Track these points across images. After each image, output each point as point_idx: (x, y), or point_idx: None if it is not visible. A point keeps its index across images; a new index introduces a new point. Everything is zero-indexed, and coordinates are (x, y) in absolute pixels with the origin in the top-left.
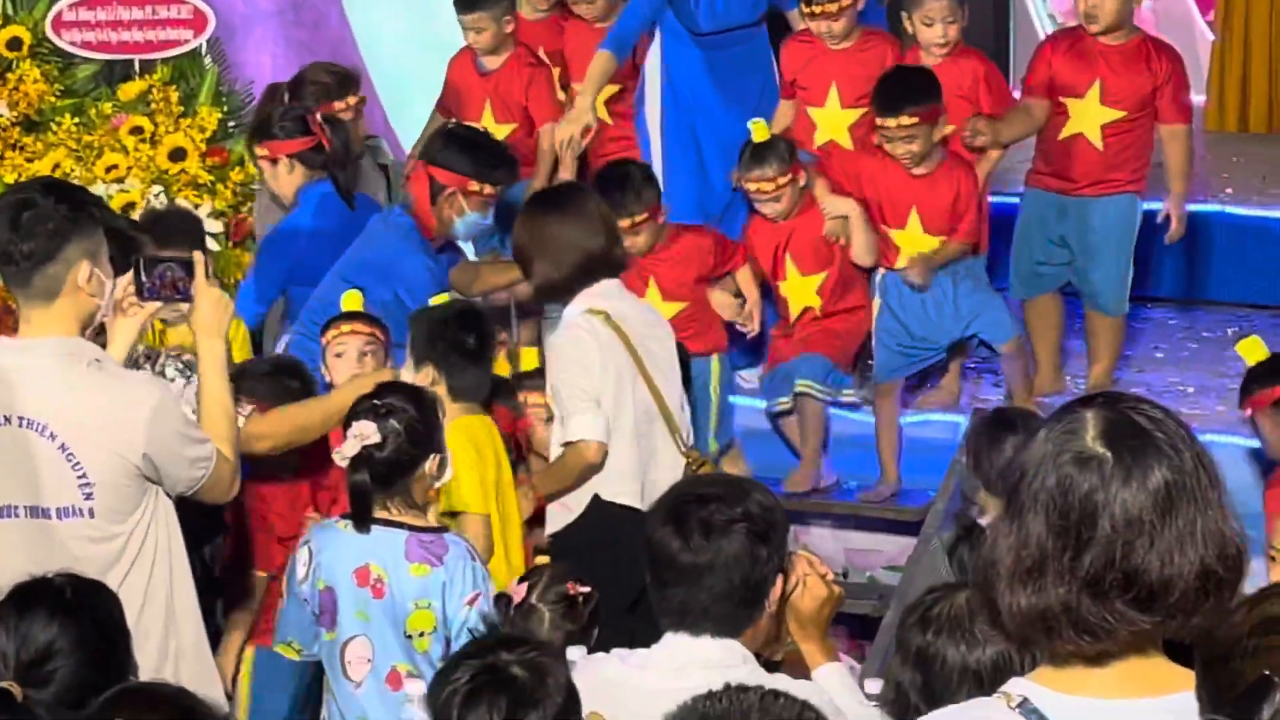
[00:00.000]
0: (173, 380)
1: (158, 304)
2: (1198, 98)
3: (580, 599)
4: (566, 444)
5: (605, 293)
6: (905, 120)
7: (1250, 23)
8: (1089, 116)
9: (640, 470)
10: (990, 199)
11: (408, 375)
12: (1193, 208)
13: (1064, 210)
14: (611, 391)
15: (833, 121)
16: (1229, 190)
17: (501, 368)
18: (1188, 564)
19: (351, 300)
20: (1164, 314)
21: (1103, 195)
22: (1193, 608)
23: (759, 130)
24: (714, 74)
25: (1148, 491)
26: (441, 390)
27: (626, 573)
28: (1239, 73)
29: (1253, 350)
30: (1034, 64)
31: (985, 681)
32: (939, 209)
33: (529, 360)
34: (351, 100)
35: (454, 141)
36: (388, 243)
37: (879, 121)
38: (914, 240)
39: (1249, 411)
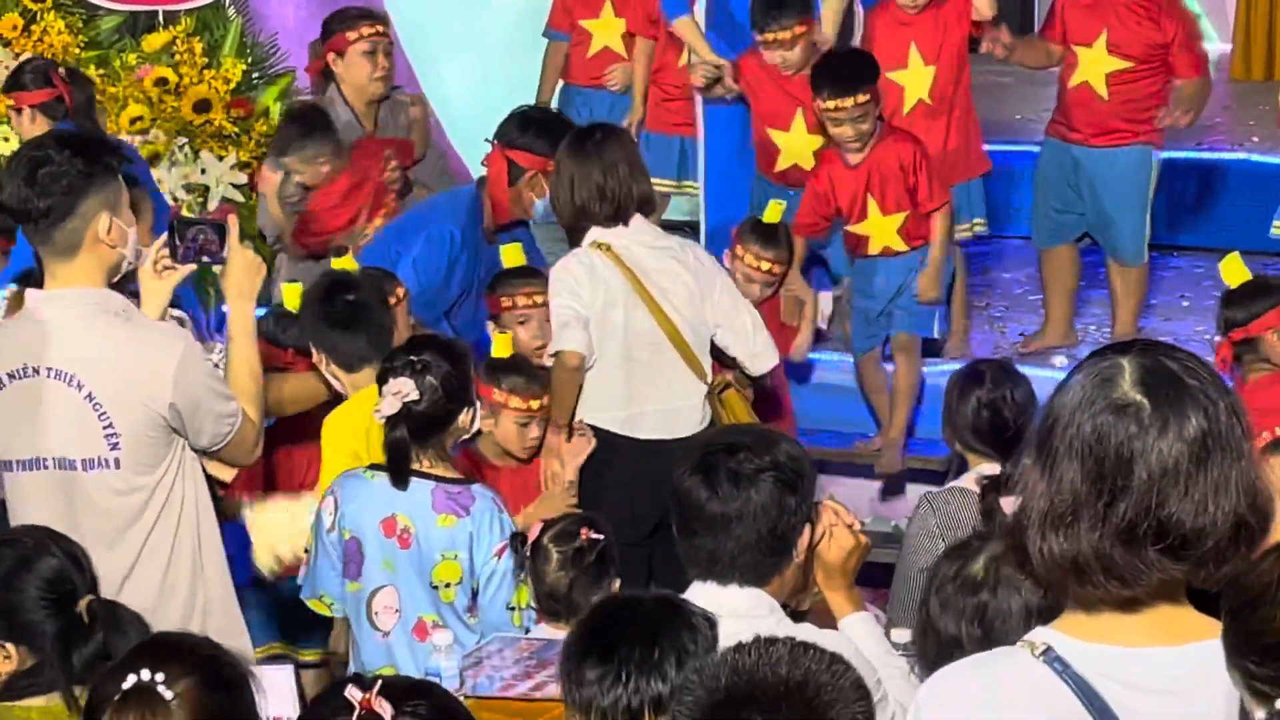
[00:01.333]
0: None
1: (192, 266)
2: (1224, 46)
3: (587, 544)
4: (553, 358)
5: (620, 231)
6: (860, 99)
7: None
8: (1096, 66)
9: (626, 396)
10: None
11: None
12: (1219, 155)
13: (1078, 161)
14: (597, 317)
15: (798, 146)
16: (1255, 139)
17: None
18: (1221, 514)
19: (512, 255)
20: (1190, 262)
21: (1114, 146)
22: (1224, 557)
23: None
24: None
25: (1184, 441)
26: (336, 368)
27: (612, 494)
28: (1265, 22)
29: (1234, 270)
30: (1049, 15)
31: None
32: (891, 186)
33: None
34: (365, 31)
35: (532, 124)
36: (435, 204)
37: (833, 104)
38: (879, 226)
39: (1238, 336)
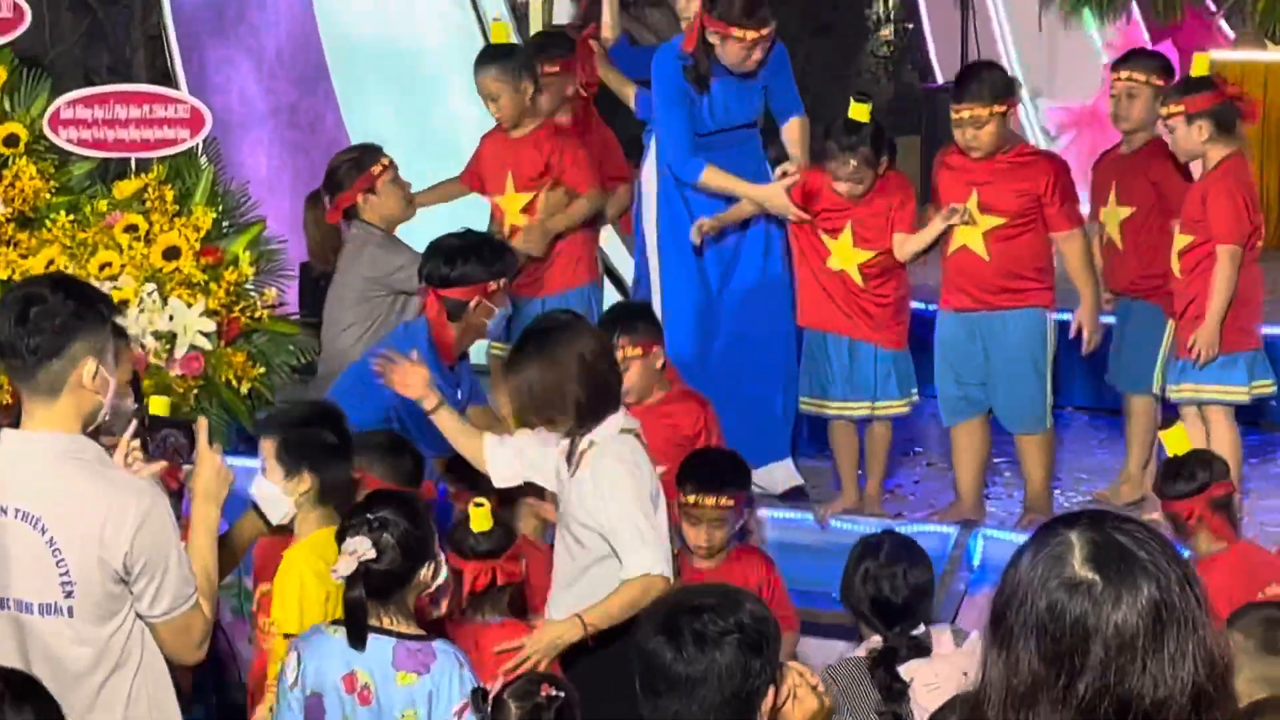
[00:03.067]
0: None
1: (162, 463)
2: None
3: (546, 701)
4: (630, 578)
5: (627, 415)
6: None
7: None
8: (971, 227)
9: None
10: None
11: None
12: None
13: (971, 328)
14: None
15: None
16: None
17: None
18: (1180, 685)
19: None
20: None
21: (1003, 309)
22: None
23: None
24: None
25: (1138, 613)
26: (311, 495)
27: None
28: None
29: (1176, 440)
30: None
31: None
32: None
33: None
34: (385, 161)
35: (457, 254)
36: (390, 343)
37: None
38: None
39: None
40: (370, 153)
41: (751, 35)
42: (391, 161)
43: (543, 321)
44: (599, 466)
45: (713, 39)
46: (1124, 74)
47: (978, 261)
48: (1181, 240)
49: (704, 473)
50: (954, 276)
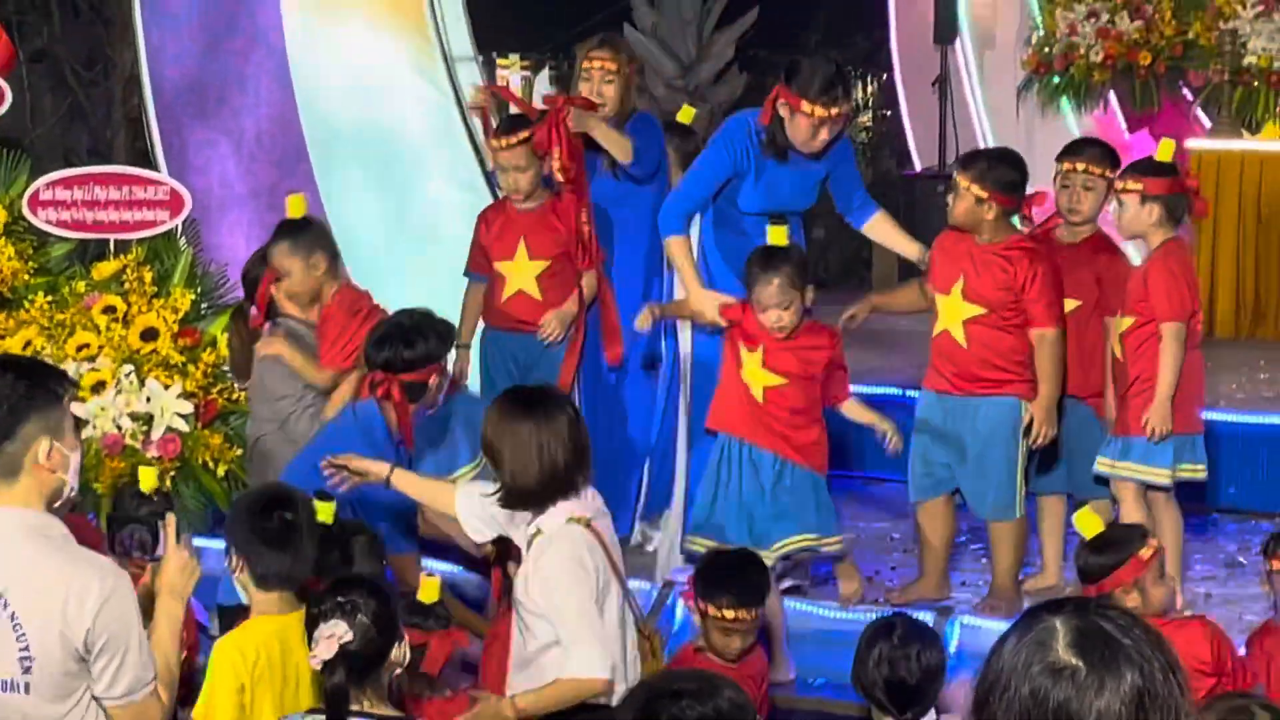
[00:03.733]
0: None
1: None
2: None
3: None
4: (568, 677)
5: (586, 502)
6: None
7: (1218, 228)
8: (953, 312)
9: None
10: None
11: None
12: None
13: (947, 411)
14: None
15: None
16: None
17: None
18: None
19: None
20: None
21: (980, 395)
22: None
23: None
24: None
25: (1121, 699)
26: (249, 579)
27: None
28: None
29: (1089, 523)
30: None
31: None
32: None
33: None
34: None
35: (417, 336)
36: (340, 428)
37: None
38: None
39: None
40: (267, 246)
41: (821, 113)
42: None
43: (520, 392)
44: (544, 559)
45: (783, 111)
46: (1080, 166)
47: (956, 348)
48: (1124, 323)
49: (740, 587)
50: (935, 358)
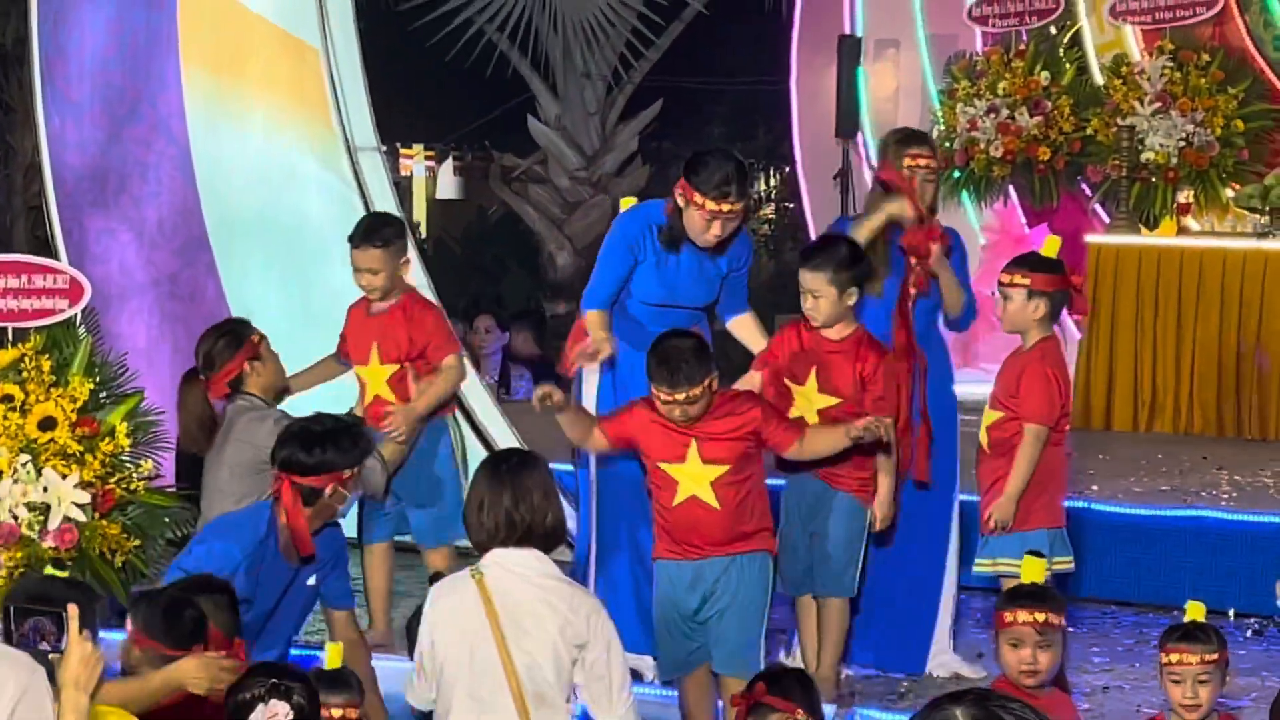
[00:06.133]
0: None
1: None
2: None
3: None
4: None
5: (510, 556)
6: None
7: (1116, 322)
8: (806, 403)
9: None
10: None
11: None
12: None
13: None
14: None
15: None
16: (1094, 487)
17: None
18: None
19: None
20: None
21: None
22: None
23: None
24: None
25: None
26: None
27: None
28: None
29: (1033, 569)
30: None
31: None
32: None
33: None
34: (259, 332)
35: (315, 441)
36: (237, 519)
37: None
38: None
39: None
40: (242, 324)
41: (713, 207)
42: (262, 334)
43: (511, 454)
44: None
45: (681, 203)
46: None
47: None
48: (991, 416)
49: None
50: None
